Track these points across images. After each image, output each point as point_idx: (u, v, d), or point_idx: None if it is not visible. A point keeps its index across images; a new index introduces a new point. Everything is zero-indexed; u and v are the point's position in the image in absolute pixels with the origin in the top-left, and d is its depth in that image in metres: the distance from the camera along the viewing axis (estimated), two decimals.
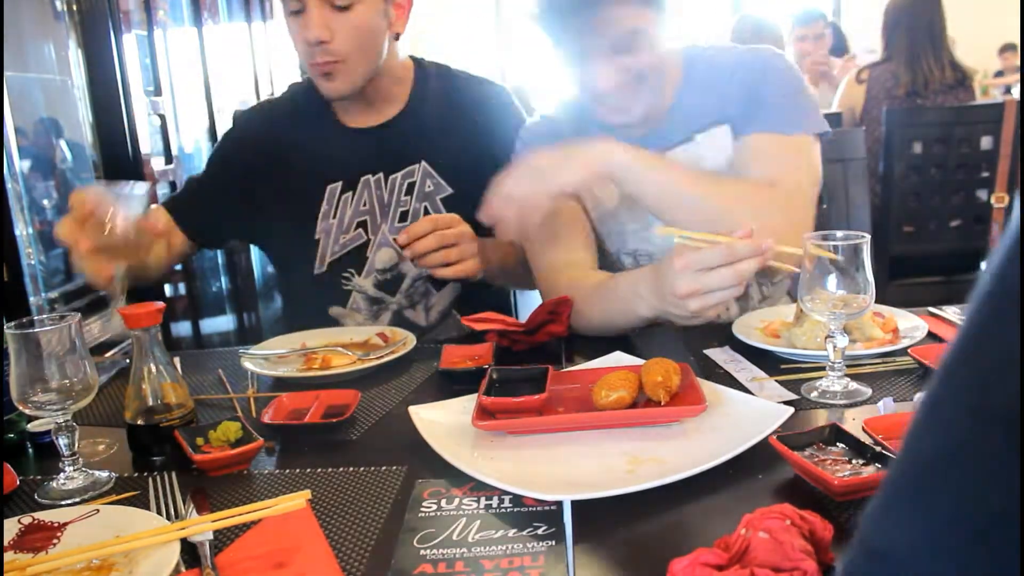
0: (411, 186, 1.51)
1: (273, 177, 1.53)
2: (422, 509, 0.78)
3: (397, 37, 1.47)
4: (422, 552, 0.70)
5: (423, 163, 1.51)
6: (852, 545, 0.35)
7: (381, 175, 1.51)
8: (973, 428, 0.30)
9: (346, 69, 1.38)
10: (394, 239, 1.38)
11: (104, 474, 0.92)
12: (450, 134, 1.52)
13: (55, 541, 0.76)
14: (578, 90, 1.31)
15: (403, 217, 1.51)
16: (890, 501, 0.33)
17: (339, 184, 1.51)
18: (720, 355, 1.17)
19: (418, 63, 1.56)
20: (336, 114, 1.53)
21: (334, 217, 1.51)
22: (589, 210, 1.42)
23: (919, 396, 0.93)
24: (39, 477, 0.94)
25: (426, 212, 1.51)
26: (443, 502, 0.79)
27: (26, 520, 0.78)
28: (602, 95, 1.27)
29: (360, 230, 1.52)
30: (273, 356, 1.28)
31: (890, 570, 0.32)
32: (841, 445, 0.81)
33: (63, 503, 0.86)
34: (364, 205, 1.51)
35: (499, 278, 1.52)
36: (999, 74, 6.58)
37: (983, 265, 0.31)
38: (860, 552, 0.34)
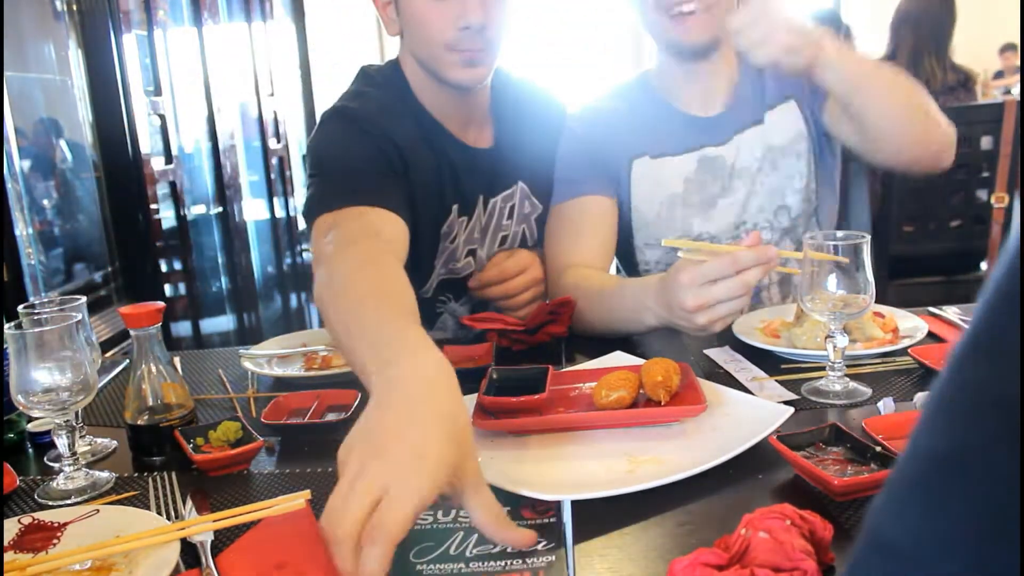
0: (511, 209, 1.43)
1: (401, 182, 1.28)
2: (418, 521, 0.76)
3: None
4: (418, 567, 0.69)
5: (520, 184, 1.42)
6: (859, 539, 0.35)
7: (482, 197, 1.39)
8: (985, 424, 0.30)
9: (490, 58, 1.25)
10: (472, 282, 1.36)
11: (104, 474, 0.91)
12: (534, 149, 1.43)
13: (55, 541, 0.76)
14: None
15: (503, 241, 1.43)
16: (899, 496, 0.33)
17: (457, 205, 1.37)
18: (720, 355, 1.17)
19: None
20: (451, 130, 1.35)
21: (452, 241, 1.39)
22: (644, 201, 1.43)
23: (920, 396, 0.93)
24: (39, 477, 0.94)
25: (523, 236, 1.44)
26: (439, 514, 0.77)
27: (26, 520, 0.78)
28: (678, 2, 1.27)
29: (470, 258, 1.42)
30: (273, 356, 1.28)
31: (898, 565, 0.32)
32: (841, 445, 0.81)
33: (63, 503, 0.86)
34: (476, 232, 1.41)
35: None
36: (999, 75, 6.58)
37: (983, 265, 0.31)
38: (868, 546, 0.34)
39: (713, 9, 1.29)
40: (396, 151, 1.26)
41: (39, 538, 0.76)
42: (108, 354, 1.66)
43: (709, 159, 1.41)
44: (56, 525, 0.78)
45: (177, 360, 1.18)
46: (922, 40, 2.97)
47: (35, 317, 0.92)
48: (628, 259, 1.51)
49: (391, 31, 1.30)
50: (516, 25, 1.29)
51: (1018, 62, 6.39)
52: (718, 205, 1.42)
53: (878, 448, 0.78)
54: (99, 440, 1.02)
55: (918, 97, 1.22)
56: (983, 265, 2.80)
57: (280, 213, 3.46)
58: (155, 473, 0.92)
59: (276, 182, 3.41)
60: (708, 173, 1.41)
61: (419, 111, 1.33)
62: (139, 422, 0.97)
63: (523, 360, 1.21)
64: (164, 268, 2.43)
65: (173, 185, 2.49)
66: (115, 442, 1.02)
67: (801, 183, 1.41)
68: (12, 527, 0.77)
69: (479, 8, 1.19)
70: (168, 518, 0.80)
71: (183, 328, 2.60)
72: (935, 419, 0.32)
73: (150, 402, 0.97)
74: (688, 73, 1.40)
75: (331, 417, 1.01)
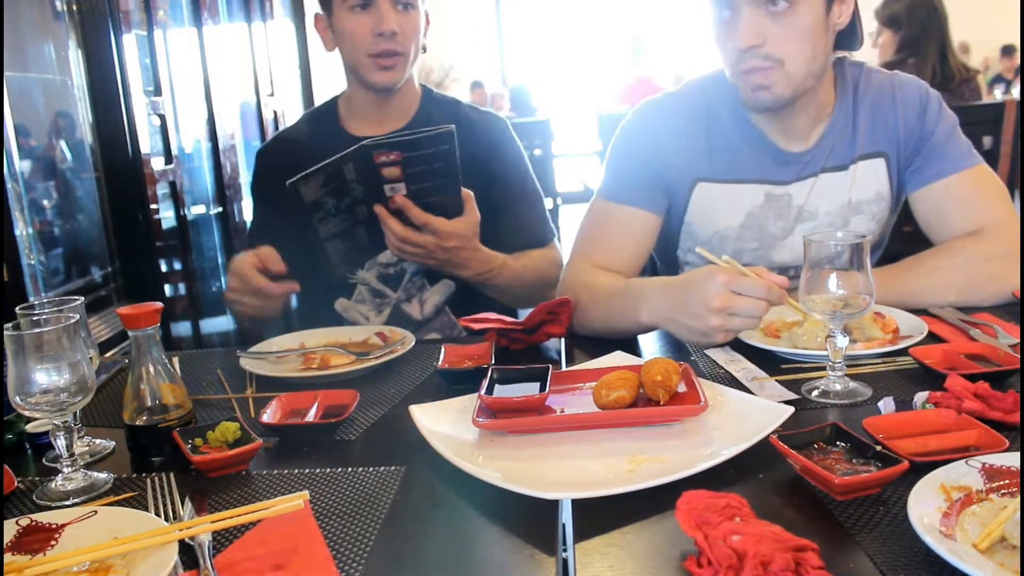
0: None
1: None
2: None
3: (424, 50, 1.57)
4: None
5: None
6: None
7: None
8: None
9: (403, 62, 1.52)
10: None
11: (102, 475, 0.91)
12: None
13: (53, 543, 0.76)
14: (722, 48, 1.26)
15: None
16: None
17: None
18: (720, 355, 1.17)
19: (426, 89, 1.67)
20: (345, 127, 1.62)
21: None
22: (699, 223, 1.41)
23: (919, 396, 0.93)
24: (37, 478, 0.93)
25: None
26: None
27: (24, 522, 0.78)
28: (743, 57, 1.22)
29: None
30: (272, 356, 1.27)
31: None
32: (841, 444, 0.81)
33: (61, 504, 0.86)
34: None
35: (492, 291, 1.54)
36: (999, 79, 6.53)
37: None
38: None
39: (785, 66, 1.22)
40: (278, 180, 1.45)
41: (37, 539, 0.76)
42: (108, 354, 1.66)
43: (777, 196, 1.37)
44: (54, 526, 0.77)
45: (176, 360, 1.18)
46: (923, 44, 2.95)
47: (33, 318, 0.92)
48: (669, 259, 1.51)
49: (328, 47, 1.57)
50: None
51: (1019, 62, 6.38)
52: (776, 247, 1.39)
53: (878, 447, 0.78)
54: (97, 441, 1.02)
55: (959, 279, 1.28)
56: None
57: None
58: (153, 474, 0.92)
59: None
60: (773, 210, 1.38)
61: (327, 121, 1.64)
62: (137, 423, 0.97)
63: (522, 360, 1.20)
64: (164, 268, 2.43)
65: (173, 185, 2.49)
66: (113, 443, 1.02)
67: None
68: (10, 529, 0.77)
69: (391, 19, 1.47)
70: (166, 519, 0.80)
71: (183, 328, 2.60)
72: None
73: (148, 403, 0.97)
74: (768, 115, 1.33)
75: (330, 417, 1.01)
